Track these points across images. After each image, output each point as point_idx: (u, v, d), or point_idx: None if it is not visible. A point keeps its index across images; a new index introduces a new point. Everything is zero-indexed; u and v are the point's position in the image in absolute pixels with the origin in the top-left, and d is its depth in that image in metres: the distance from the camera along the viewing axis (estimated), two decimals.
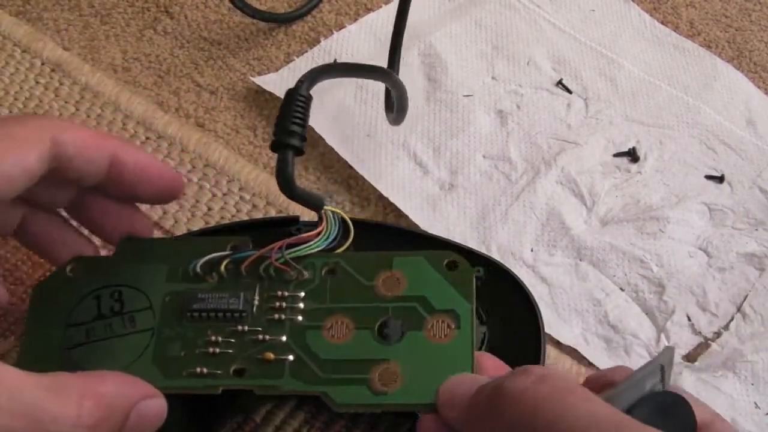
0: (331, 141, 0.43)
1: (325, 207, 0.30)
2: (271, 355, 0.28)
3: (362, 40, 0.50)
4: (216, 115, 0.46)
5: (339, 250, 0.30)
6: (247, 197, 0.41)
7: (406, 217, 0.41)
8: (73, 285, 0.30)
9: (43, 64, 0.45)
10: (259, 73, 0.48)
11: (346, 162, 0.43)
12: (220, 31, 0.50)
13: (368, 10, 0.52)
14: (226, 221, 0.40)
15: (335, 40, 0.49)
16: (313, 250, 0.30)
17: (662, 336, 0.38)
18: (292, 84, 0.47)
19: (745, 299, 0.40)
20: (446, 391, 0.26)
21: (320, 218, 0.30)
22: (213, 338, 0.28)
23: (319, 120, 0.44)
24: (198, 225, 0.39)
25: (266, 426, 0.34)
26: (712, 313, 0.39)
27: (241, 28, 0.50)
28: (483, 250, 0.40)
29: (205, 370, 0.28)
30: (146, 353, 0.28)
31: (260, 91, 0.47)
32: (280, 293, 0.29)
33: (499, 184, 0.43)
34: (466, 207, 0.42)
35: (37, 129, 0.27)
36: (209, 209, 0.40)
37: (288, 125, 0.30)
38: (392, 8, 0.52)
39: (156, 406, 0.26)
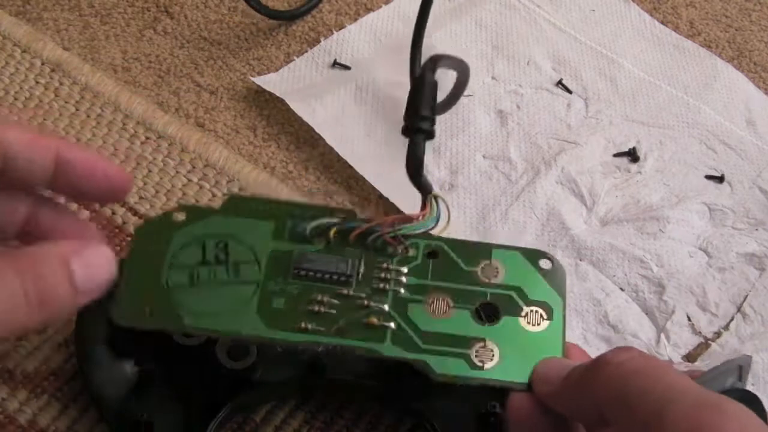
0: (331, 141, 0.43)
1: (433, 192, 0.32)
2: (375, 320, 0.29)
3: (362, 40, 0.50)
4: (216, 115, 0.46)
5: (438, 235, 0.32)
6: None
7: None
8: (178, 230, 0.31)
9: (43, 64, 0.45)
10: (259, 73, 0.48)
11: (346, 162, 0.43)
12: (220, 31, 0.50)
13: (368, 10, 0.52)
14: None
15: (335, 40, 0.49)
16: (418, 231, 0.31)
17: (662, 336, 0.38)
18: (292, 84, 0.47)
19: (745, 299, 0.40)
20: (541, 368, 0.28)
21: (425, 203, 0.32)
22: (318, 297, 0.29)
23: (319, 120, 0.44)
24: None
25: (266, 426, 0.34)
26: (712, 313, 0.39)
27: (241, 28, 0.50)
28: None
29: (309, 326, 0.29)
30: (251, 303, 0.29)
31: (260, 91, 0.47)
32: (384, 265, 0.31)
33: (499, 184, 0.43)
34: (466, 207, 0.42)
35: None
36: None
37: (419, 111, 0.33)
38: (392, 8, 0.52)
39: (101, 253, 0.25)
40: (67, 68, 0.45)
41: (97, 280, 0.25)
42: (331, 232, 0.31)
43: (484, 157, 0.44)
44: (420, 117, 0.33)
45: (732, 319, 0.39)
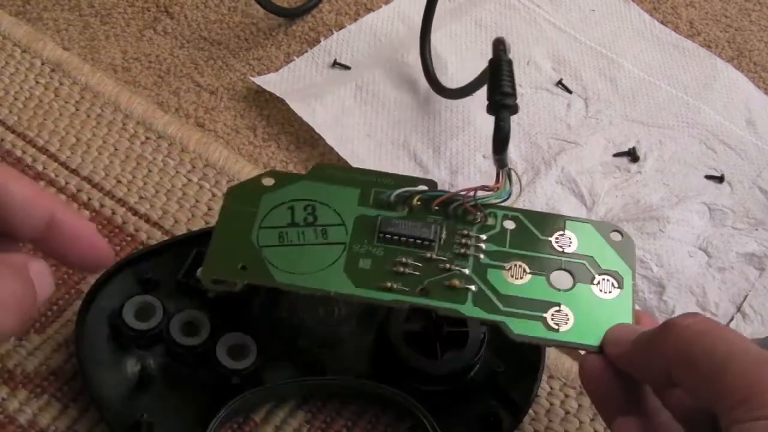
0: (331, 141, 0.43)
1: (508, 167, 0.33)
2: (457, 282, 0.30)
3: (362, 40, 0.50)
4: (216, 115, 0.46)
5: (511, 206, 0.33)
6: None
7: None
8: (267, 193, 0.32)
9: (43, 64, 0.45)
10: (259, 73, 0.48)
11: (346, 162, 0.43)
12: (220, 31, 0.50)
13: (368, 10, 0.52)
14: None
15: (335, 40, 0.49)
16: (495, 201, 0.33)
17: None
18: (292, 84, 0.47)
19: (745, 299, 0.40)
20: (613, 332, 0.29)
21: (500, 176, 0.34)
22: (402, 260, 0.31)
23: (319, 120, 0.44)
24: (198, 225, 0.39)
25: (266, 426, 0.34)
26: (712, 313, 0.39)
27: (241, 28, 0.50)
28: None
29: (394, 286, 0.30)
30: (338, 263, 0.31)
31: (260, 91, 0.47)
32: (465, 232, 0.32)
33: None
34: None
35: None
36: (209, 209, 0.40)
37: (502, 88, 0.34)
38: (392, 8, 0.52)
39: (44, 267, 0.26)
40: (67, 68, 0.45)
41: (46, 288, 0.26)
42: (414, 200, 0.32)
43: (484, 157, 0.44)
44: (503, 94, 0.34)
45: (732, 319, 0.39)
